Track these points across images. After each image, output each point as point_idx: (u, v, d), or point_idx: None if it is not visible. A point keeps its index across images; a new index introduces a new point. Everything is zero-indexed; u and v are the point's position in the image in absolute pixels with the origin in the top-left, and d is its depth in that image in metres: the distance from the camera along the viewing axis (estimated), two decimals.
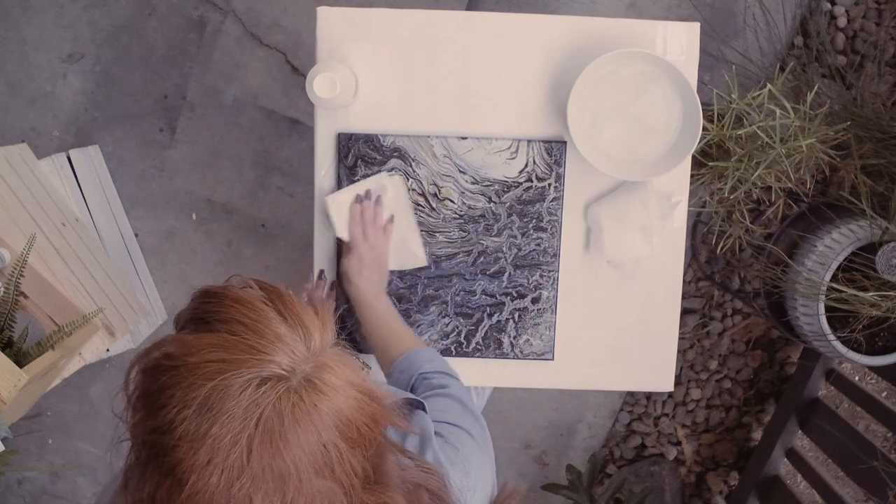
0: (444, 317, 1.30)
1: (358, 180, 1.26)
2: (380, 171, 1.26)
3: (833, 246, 1.62)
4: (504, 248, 1.29)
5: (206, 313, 0.64)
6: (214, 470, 0.58)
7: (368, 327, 1.14)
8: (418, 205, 1.28)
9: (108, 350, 1.85)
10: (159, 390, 0.60)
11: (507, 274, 1.30)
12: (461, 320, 1.30)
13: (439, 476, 0.74)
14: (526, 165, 1.28)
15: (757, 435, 2.26)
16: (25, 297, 1.55)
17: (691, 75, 1.24)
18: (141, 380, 0.63)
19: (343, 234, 1.23)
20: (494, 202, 1.28)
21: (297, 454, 0.59)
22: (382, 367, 1.08)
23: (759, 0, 2.03)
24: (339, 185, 1.28)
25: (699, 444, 2.28)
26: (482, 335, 1.31)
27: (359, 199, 1.24)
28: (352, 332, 1.30)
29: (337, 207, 1.24)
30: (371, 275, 1.18)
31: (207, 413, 0.58)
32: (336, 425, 0.61)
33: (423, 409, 0.85)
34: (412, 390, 0.99)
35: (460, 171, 1.27)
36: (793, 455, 2.05)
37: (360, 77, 1.25)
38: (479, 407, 1.54)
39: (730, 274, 2.18)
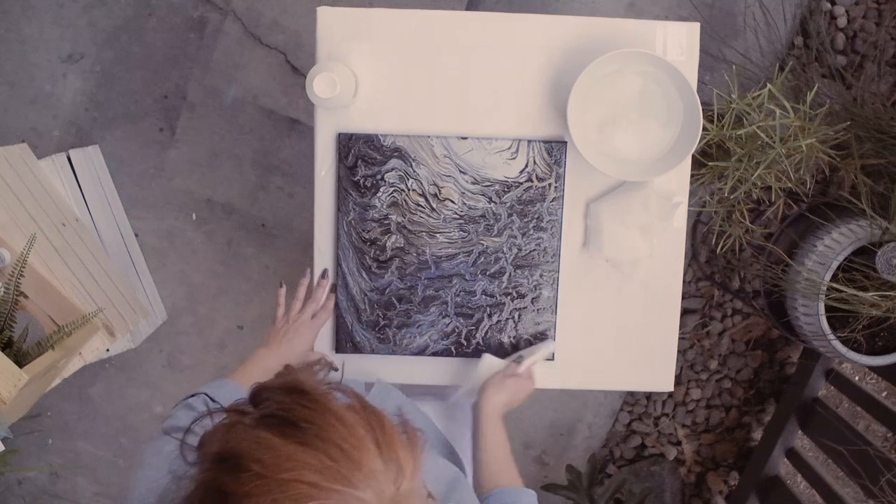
0: (444, 317, 1.30)
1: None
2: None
3: (833, 246, 1.62)
4: (504, 249, 1.29)
5: (302, 420, 0.59)
6: None
7: (487, 444, 1.13)
8: (419, 205, 1.28)
9: (108, 350, 1.85)
10: (241, 496, 0.56)
11: (507, 274, 1.30)
12: (461, 320, 1.31)
13: None
14: (526, 165, 1.28)
15: (757, 435, 2.26)
16: (25, 297, 1.55)
17: (691, 75, 1.24)
18: (217, 472, 0.59)
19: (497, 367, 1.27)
20: (495, 202, 1.28)
21: None
22: (483, 482, 1.08)
23: (759, 0, 2.03)
24: (339, 185, 1.28)
25: (699, 444, 2.28)
26: (482, 335, 1.31)
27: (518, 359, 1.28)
28: (351, 332, 1.30)
29: (489, 366, 1.27)
30: (506, 395, 1.20)
31: None
32: None
33: None
34: None
35: (461, 172, 1.27)
36: (793, 455, 2.05)
37: (360, 77, 1.25)
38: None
39: (730, 274, 2.18)
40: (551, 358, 1.32)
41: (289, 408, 0.60)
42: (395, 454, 0.60)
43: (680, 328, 1.52)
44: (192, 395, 0.97)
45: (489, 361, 1.26)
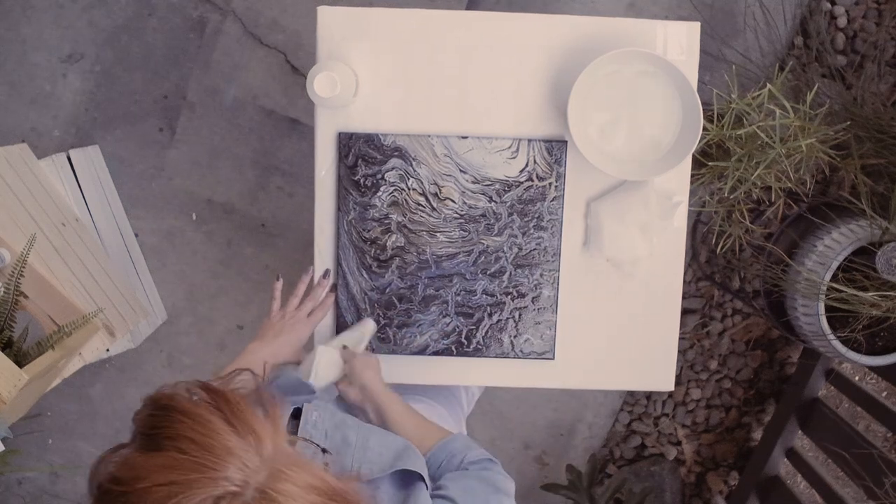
0: (444, 316, 1.30)
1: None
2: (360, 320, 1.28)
3: (833, 246, 1.62)
4: (505, 248, 1.29)
5: (153, 429, 0.60)
6: None
7: (396, 415, 1.08)
8: (419, 204, 1.28)
9: (108, 350, 1.85)
10: None
11: (507, 273, 1.30)
12: (462, 320, 1.31)
13: None
14: (526, 165, 1.28)
15: (757, 435, 2.26)
16: (25, 297, 1.55)
17: (691, 75, 1.24)
18: (96, 502, 0.60)
19: (326, 381, 1.16)
20: (495, 202, 1.28)
21: None
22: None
23: (759, 0, 2.03)
24: (339, 185, 1.28)
25: (699, 444, 2.28)
26: (483, 335, 1.31)
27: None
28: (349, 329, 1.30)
29: (328, 362, 1.16)
30: (377, 370, 1.16)
31: None
32: None
33: (423, 479, 0.85)
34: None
35: (461, 171, 1.27)
36: (793, 455, 2.05)
37: (360, 76, 1.25)
38: (468, 408, 1.52)
39: (730, 274, 2.18)
40: (375, 332, 1.28)
41: (142, 421, 0.62)
42: (247, 425, 0.60)
43: (680, 328, 1.52)
44: None
45: (329, 353, 1.17)
